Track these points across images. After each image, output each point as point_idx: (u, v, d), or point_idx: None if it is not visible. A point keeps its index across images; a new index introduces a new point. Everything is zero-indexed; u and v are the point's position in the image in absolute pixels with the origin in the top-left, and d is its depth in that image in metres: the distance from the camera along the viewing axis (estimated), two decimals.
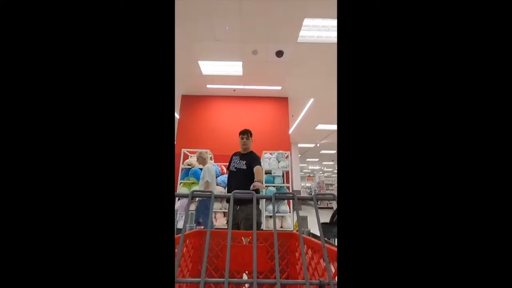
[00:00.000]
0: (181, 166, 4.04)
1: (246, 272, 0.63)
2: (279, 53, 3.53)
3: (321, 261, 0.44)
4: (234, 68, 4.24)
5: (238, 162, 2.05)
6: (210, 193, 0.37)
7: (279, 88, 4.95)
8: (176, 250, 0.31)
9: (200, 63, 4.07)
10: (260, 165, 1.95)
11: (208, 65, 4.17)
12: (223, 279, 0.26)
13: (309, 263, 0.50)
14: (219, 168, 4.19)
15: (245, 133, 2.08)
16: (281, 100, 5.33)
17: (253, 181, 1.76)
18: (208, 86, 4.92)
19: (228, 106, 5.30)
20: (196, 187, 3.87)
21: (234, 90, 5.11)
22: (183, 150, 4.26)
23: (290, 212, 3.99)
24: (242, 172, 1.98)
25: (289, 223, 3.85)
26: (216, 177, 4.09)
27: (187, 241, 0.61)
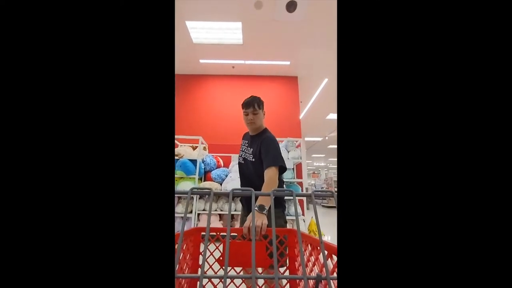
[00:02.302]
0: None
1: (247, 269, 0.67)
2: (291, 6, 2.67)
3: (320, 256, 0.45)
4: (232, 34, 3.39)
5: (246, 149, 1.31)
6: (209, 190, 0.36)
7: (287, 63, 4.12)
8: (175, 247, 0.31)
9: (189, 24, 3.23)
10: (274, 161, 1.13)
11: (199, 30, 3.33)
12: (222, 275, 0.26)
13: (308, 259, 0.51)
14: (214, 160, 3.42)
15: (250, 105, 1.24)
16: (290, 80, 4.50)
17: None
18: (201, 61, 4.08)
19: (226, 86, 4.48)
20: (185, 183, 3.07)
21: (233, 67, 4.28)
22: None
23: (303, 214, 3.19)
24: (251, 167, 1.24)
25: (302, 227, 3.05)
26: (210, 171, 3.32)
27: (187, 239, 0.62)
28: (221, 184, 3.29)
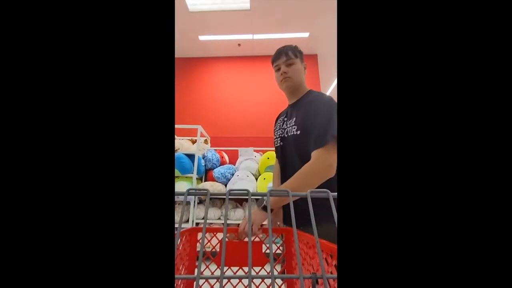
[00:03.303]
0: None
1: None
2: None
3: (317, 255, 0.47)
4: None
5: (284, 124, 0.92)
6: (205, 191, 0.33)
7: (305, 35, 3.37)
8: None
9: None
10: (325, 134, 0.72)
11: None
12: (219, 275, 0.26)
13: (305, 258, 0.50)
14: (217, 155, 2.74)
15: (280, 55, 0.90)
16: (308, 59, 3.74)
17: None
18: (201, 38, 3.42)
19: (232, 69, 3.79)
20: (180, 184, 2.42)
21: (240, 45, 3.58)
22: None
23: None
24: (294, 148, 0.84)
25: None
26: (213, 168, 2.65)
27: (184, 238, 0.60)
28: (226, 185, 2.59)
